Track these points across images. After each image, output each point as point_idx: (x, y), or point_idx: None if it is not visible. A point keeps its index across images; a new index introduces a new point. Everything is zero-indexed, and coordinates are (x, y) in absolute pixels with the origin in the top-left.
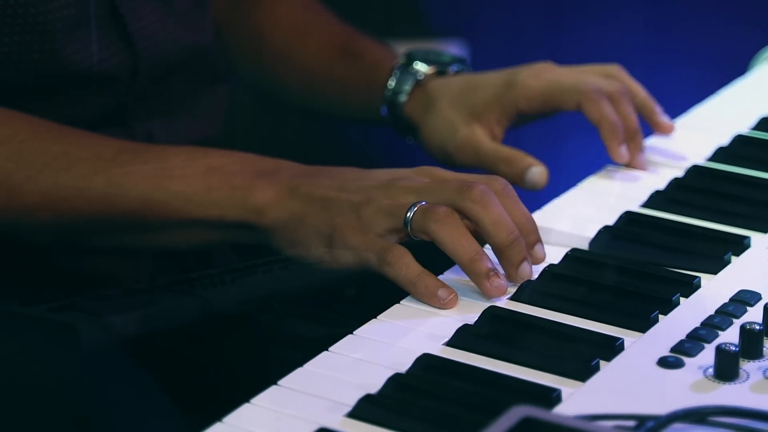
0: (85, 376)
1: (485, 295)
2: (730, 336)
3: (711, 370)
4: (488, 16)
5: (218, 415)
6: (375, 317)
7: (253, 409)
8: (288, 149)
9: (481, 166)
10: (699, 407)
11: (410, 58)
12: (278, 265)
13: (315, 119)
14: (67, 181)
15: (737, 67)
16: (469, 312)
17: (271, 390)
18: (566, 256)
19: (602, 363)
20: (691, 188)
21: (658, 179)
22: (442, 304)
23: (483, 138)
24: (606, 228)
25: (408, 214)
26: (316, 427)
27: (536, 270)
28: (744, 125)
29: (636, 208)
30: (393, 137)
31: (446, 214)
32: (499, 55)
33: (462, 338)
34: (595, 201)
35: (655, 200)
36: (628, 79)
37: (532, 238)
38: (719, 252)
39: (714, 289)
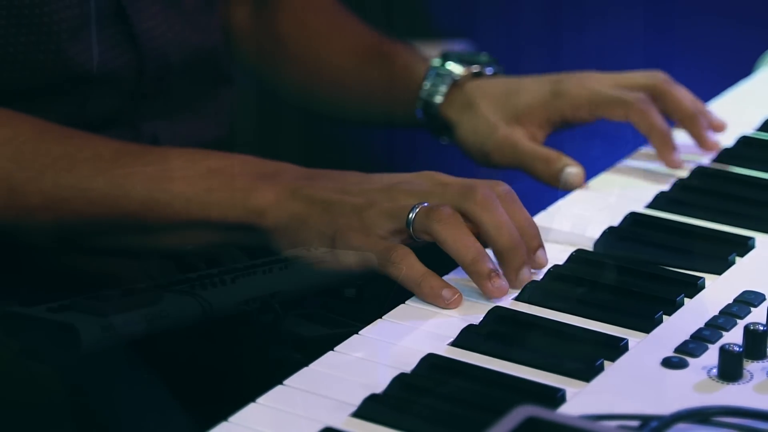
0: (85, 376)
1: (486, 295)
2: (734, 337)
3: (715, 371)
4: (488, 17)
5: (218, 415)
6: (375, 317)
7: (259, 409)
8: (289, 153)
9: (518, 165)
10: (703, 407)
11: (444, 59)
12: (278, 265)
13: (344, 126)
14: (68, 182)
15: (742, 69)
16: (473, 312)
17: (277, 389)
18: (571, 256)
19: (606, 363)
20: (696, 189)
21: (662, 180)
22: (446, 305)
23: (522, 138)
24: (611, 229)
25: (410, 215)
26: (322, 426)
27: (541, 270)
28: (749, 126)
29: (641, 209)
30: (395, 141)
31: (449, 214)
32: (500, 55)
33: (467, 338)
34: (600, 202)
35: (660, 201)
36: (673, 89)
37: (534, 243)
38: (723, 253)
39: (718, 290)
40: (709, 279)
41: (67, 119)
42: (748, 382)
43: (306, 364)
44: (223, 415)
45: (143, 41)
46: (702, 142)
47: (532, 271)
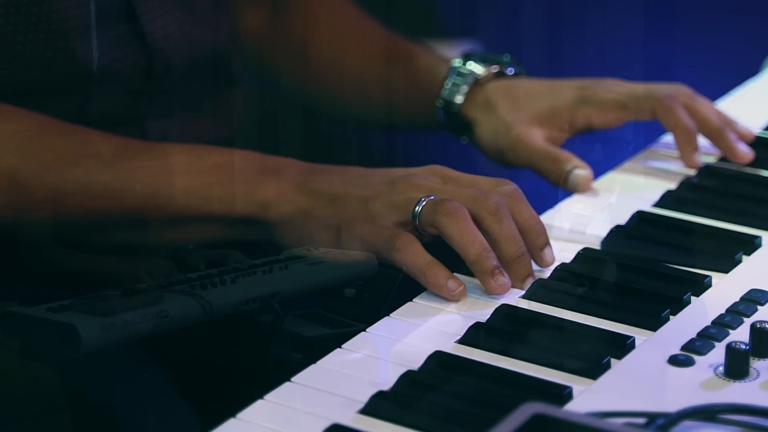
0: (85, 376)
1: (488, 292)
2: (741, 335)
3: (721, 369)
4: (489, 17)
5: (220, 413)
6: (375, 317)
7: (267, 405)
8: (295, 154)
9: (530, 164)
10: (709, 405)
11: (466, 59)
12: (278, 265)
13: (366, 128)
14: (72, 177)
15: (749, 68)
16: (480, 310)
17: (284, 386)
18: (578, 254)
19: (613, 361)
20: (703, 188)
21: (669, 179)
22: (450, 295)
23: (536, 138)
24: (618, 227)
25: (417, 208)
26: (329, 423)
27: (548, 268)
28: (756, 126)
29: (647, 207)
30: (394, 142)
31: (456, 208)
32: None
33: (474, 336)
34: (607, 200)
35: (667, 200)
36: (697, 103)
37: (540, 241)
38: (730, 251)
39: (725, 288)
40: (716, 277)
41: (73, 117)
42: (754, 379)
43: (306, 363)
44: (224, 413)
45: (151, 40)
46: (733, 155)
47: (538, 269)
